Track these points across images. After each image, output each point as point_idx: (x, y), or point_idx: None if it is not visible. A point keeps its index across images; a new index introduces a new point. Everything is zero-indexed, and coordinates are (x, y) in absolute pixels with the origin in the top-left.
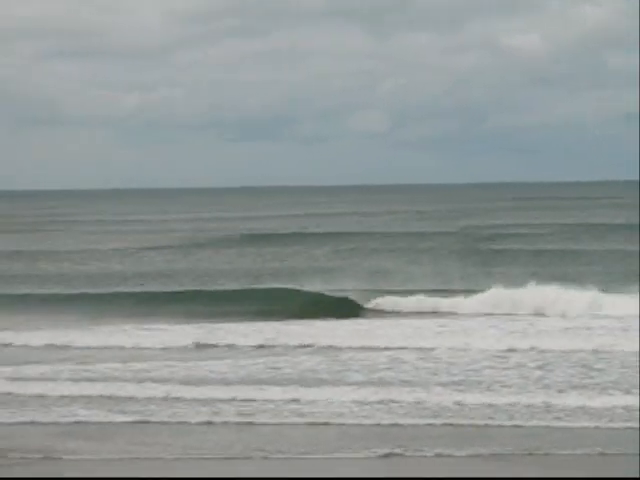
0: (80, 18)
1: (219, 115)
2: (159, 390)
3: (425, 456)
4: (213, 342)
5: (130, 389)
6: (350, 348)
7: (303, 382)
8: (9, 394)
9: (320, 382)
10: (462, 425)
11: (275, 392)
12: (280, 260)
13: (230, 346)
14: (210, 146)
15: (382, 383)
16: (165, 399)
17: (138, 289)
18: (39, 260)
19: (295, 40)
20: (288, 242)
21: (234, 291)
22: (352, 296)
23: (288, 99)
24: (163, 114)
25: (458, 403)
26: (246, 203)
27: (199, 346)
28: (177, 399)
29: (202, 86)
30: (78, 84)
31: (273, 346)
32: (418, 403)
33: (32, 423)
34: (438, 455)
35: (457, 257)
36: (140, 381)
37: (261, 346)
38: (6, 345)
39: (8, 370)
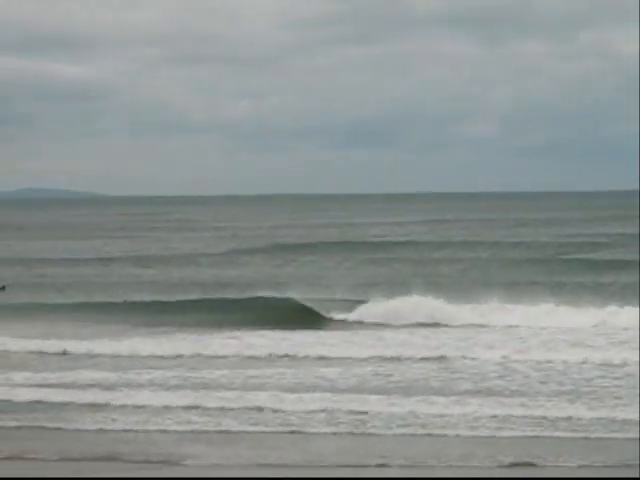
0: (193, 25)
1: (329, 122)
2: (265, 397)
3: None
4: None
5: (239, 396)
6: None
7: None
8: (124, 406)
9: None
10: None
11: (385, 401)
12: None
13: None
14: (319, 153)
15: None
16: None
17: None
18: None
19: (407, 47)
20: (396, 249)
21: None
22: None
23: (399, 106)
24: (273, 121)
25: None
26: (357, 209)
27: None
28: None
29: (313, 93)
30: (189, 91)
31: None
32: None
33: (156, 430)
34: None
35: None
36: (250, 389)
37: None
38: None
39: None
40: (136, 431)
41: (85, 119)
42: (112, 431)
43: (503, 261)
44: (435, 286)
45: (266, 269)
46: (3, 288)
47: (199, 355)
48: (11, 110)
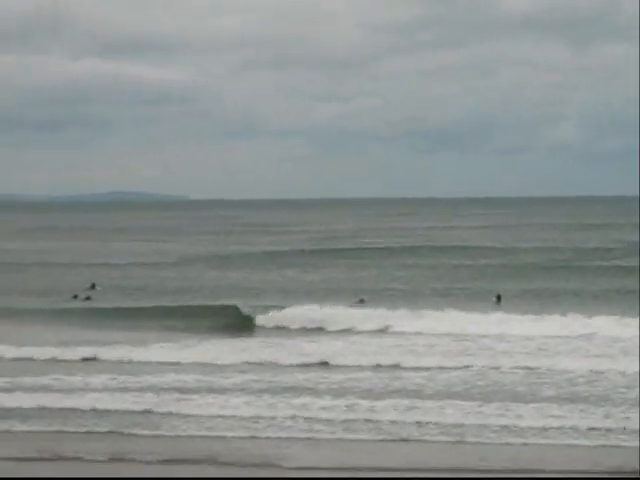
0: (278, 29)
1: (412, 126)
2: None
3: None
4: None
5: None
6: None
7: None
8: (221, 416)
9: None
10: None
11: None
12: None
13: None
14: (402, 156)
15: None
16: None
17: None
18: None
19: (492, 51)
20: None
21: None
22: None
23: (483, 110)
24: (358, 124)
25: None
26: (440, 213)
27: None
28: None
29: (397, 97)
30: (274, 94)
31: None
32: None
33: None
34: None
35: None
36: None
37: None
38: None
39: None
40: (230, 436)
41: (166, 123)
42: (207, 437)
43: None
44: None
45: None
46: (93, 287)
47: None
48: (93, 113)
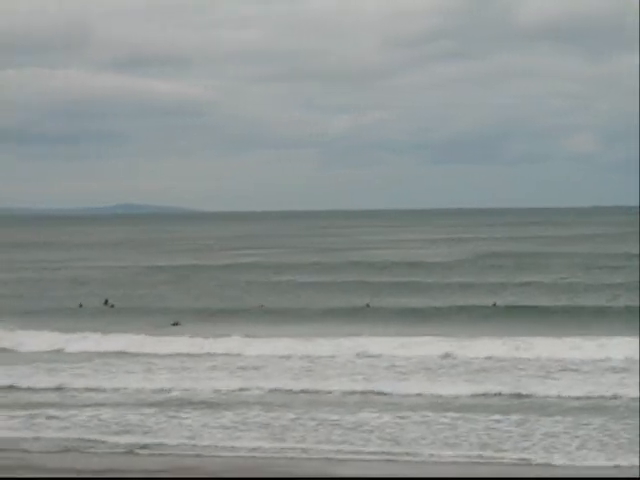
0: (294, 43)
1: (426, 138)
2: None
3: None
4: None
5: None
6: None
7: None
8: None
9: None
10: None
11: None
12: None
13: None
14: (416, 168)
15: None
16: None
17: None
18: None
19: (507, 62)
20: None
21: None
22: None
23: (498, 121)
24: (372, 137)
25: None
26: (462, 223)
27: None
28: None
29: (412, 109)
30: (289, 106)
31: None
32: None
33: None
34: None
35: None
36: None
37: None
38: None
39: None
40: None
41: (178, 135)
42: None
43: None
44: None
45: None
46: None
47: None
48: (107, 127)
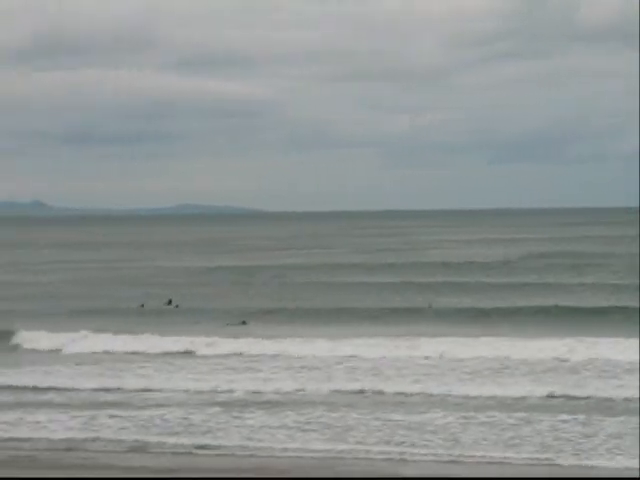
0: (357, 43)
1: (487, 137)
2: None
3: None
4: None
5: None
6: None
7: None
8: None
9: None
10: None
11: None
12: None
13: None
14: (475, 168)
15: None
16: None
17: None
18: None
19: (567, 62)
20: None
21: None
22: None
23: (557, 121)
24: (432, 137)
25: None
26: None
27: None
28: None
29: (474, 109)
30: (351, 106)
31: None
32: None
33: None
34: None
35: None
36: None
37: None
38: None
39: None
40: None
41: (244, 136)
42: None
43: None
44: None
45: None
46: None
47: None
48: (174, 127)
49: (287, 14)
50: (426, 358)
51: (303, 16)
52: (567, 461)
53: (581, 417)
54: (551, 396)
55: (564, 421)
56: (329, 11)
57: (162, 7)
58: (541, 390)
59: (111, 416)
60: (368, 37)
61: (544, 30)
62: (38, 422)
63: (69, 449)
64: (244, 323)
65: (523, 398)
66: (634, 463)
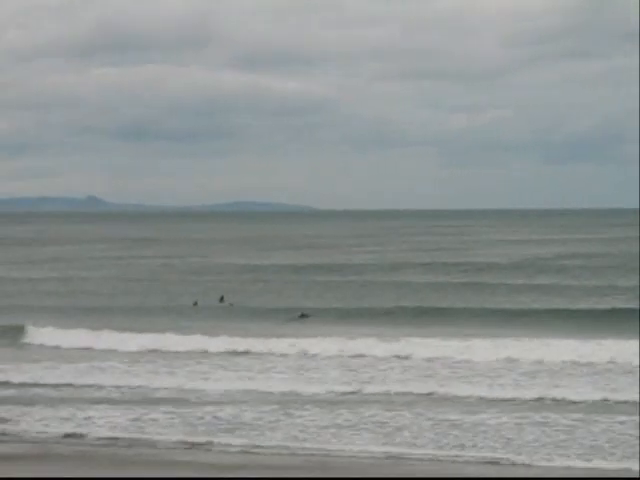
0: (417, 40)
1: (545, 137)
2: None
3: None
4: None
5: None
6: None
7: None
8: None
9: None
10: None
11: None
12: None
13: None
14: (532, 167)
15: None
16: None
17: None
18: None
19: (624, 61)
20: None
21: None
22: None
23: (618, 121)
24: (489, 136)
25: None
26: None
27: None
28: None
29: (531, 108)
30: (408, 105)
31: None
32: None
33: None
34: None
35: None
36: None
37: None
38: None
39: None
40: None
41: (302, 133)
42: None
43: None
44: None
45: None
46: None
47: None
48: (230, 125)
49: (348, 12)
50: (483, 358)
51: (366, 14)
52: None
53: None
54: (610, 398)
55: (622, 422)
56: (389, 10)
57: (222, 4)
58: (601, 393)
59: (167, 413)
60: (426, 36)
61: (603, 29)
62: (99, 417)
63: (133, 445)
64: (303, 316)
65: (580, 401)
66: None
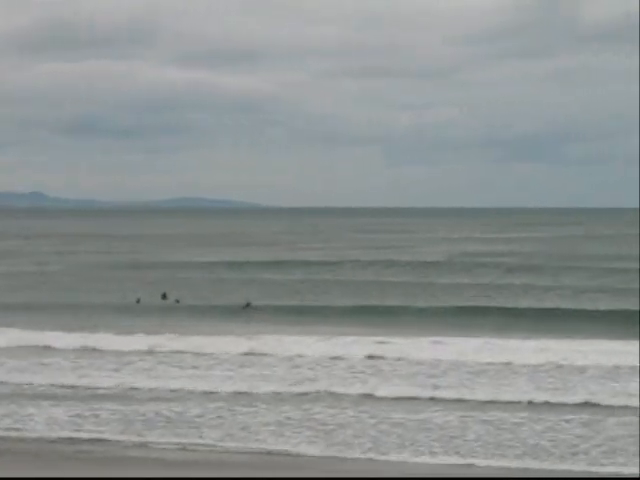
0: (365, 38)
1: (490, 135)
2: None
3: None
4: None
5: None
6: None
7: None
8: None
9: None
10: None
11: None
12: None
13: None
14: (480, 166)
15: None
16: None
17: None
18: None
19: (572, 62)
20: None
21: None
22: None
23: (562, 121)
24: (437, 134)
25: None
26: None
27: None
28: None
29: (477, 106)
30: (354, 103)
31: None
32: None
33: None
34: None
35: None
36: None
37: None
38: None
39: None
40: None
41: (248, 130)
42: None
43: None
44: None
45: None
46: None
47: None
48: (177, 121)
49: (292, 10)
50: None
51: (312, 11)
52: None
53: None
54: None
55: None
56: (335, 6)
57: (171, 1)
58: None
59: (176, 413)
60: (375, 33)
61: (552, 28)
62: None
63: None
64: (248, 306)
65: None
66: None
